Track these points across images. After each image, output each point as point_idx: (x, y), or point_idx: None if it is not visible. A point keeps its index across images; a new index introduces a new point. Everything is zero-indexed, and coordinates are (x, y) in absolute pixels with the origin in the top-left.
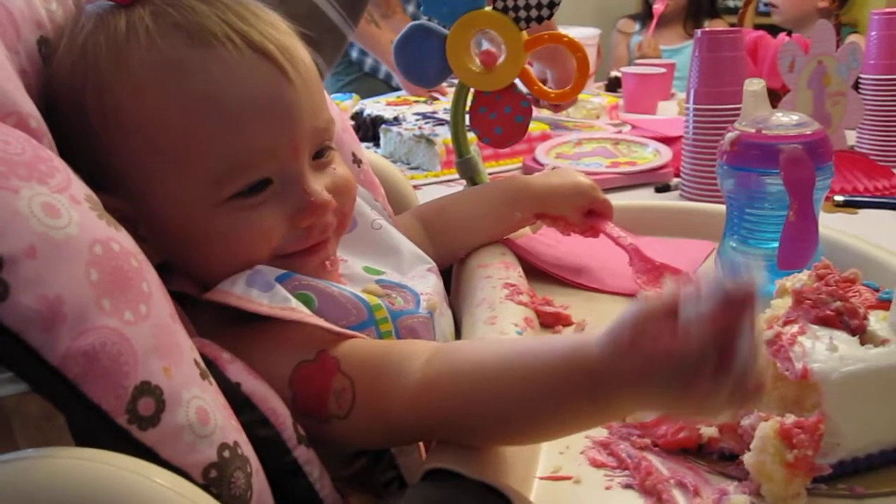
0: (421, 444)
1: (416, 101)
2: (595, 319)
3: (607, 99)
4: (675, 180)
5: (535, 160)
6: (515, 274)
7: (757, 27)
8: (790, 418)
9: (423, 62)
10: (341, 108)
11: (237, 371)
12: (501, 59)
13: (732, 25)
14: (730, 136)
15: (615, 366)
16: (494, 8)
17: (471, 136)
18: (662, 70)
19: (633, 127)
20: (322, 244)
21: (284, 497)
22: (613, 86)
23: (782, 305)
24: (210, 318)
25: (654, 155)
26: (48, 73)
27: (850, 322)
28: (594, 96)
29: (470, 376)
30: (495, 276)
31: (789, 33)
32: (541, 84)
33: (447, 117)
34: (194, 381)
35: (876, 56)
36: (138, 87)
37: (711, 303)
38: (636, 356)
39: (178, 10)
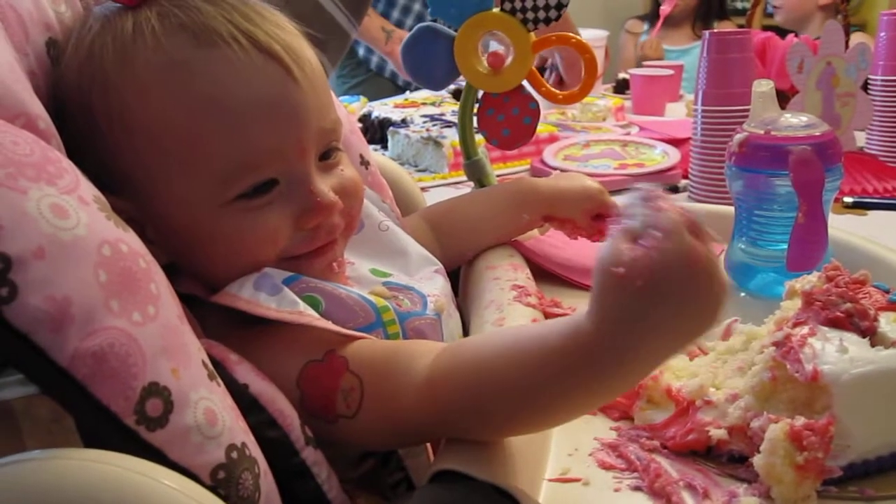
0: (429, 445)
1: (424, 104)
2: None
3: (613, 101)
4: (684, 182)
5: (542, 162)
6: (523, 276)
7: (765, 28)
8: (800, 420)
9: (431, 64)
10: (349, 110)
11: (245, 372)
12: (509, 61)
13: (741, 27)
14: (738, 137)
15: (609, 325)
16: (502, 9)
17: (478, 137)
18: (670, 72)
19: (641, 128)
20: (329, 246)
21: (292, 498)
22: (621, 87)
23: (792, 307)
24: (217, 320)
25: (662, 156)
26: (56, 75)
27: (860, 324)
28: (600, 98)
29: (473, 369)
30: (503, 277)
31: (796, 34)
32: (549, 86)
33: (455, 119)
34: (202, 382)
35: (885, 57)
36: (144, 87)
37: (644, 209)
38: (624, 296)
39: (185, 10)
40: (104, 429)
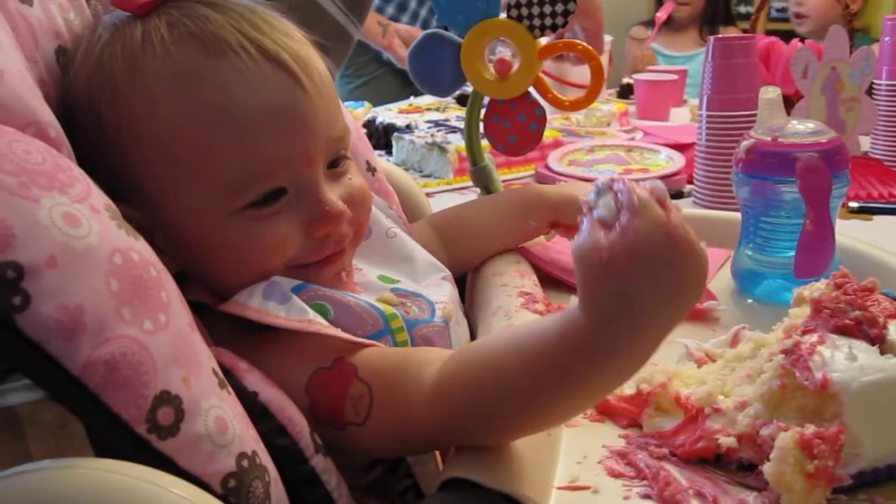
0: (437, 452)
1: (428, 109)
2: None
3: (617, 106)
4: (689, 187)
5: (547, 167)
6: (531, 282)
7: (769, 33)
8: (810, 428)
9: (437, 70)
10: (353, 115)
11: (254, 380)
12: (516, 68)
13: (745, 31)
14: (745, 143)
15: (600, 313)
16: (509, 16)
17: (484, 143)
18: (674, 76)
19: (646, 133)
20: (338, 255)
21: None
22: (626, 92)
23: (800, 314)
24: (226, 328)
25: (667, 162)
26: (66, 83)
27: (869, 331)
28: (604, 103)
29: (476, 373)
30: (511, 284)
31: (802, 40)
32: (555, 92)
33: (459, 125)
34: (213, 390)
35: (889, 61)
36: (152, 97)
37: (608, 195)
38: (610, 282)
39: (193, 20)
40: (115, 437)
